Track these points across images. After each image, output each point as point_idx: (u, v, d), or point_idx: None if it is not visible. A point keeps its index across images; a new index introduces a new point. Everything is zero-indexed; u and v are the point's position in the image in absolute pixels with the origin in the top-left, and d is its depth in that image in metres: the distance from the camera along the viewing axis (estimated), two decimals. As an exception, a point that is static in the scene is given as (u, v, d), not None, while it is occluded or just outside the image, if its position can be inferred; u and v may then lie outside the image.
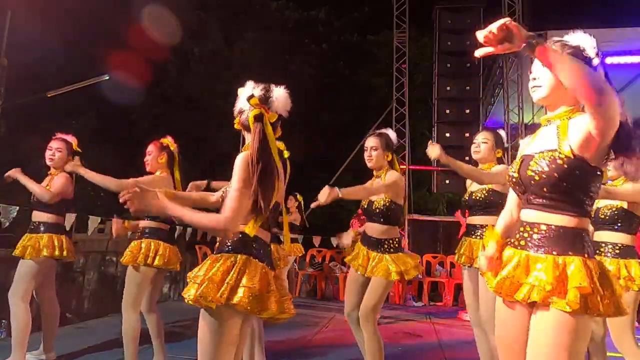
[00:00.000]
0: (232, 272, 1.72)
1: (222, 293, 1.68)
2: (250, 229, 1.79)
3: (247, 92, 1.87)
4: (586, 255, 1.46)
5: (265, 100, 1.86)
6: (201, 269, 1.75)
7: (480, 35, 1.36)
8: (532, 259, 1.51)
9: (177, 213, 1.74)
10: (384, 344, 3.05)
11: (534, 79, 1.60)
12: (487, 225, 2.93)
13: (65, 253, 3.35)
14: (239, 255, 1.76)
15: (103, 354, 3.76)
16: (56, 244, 3.31)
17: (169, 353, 3.36)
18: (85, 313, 5.32)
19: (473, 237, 3.05)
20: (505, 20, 1.33)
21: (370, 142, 3.16)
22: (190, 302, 1.71)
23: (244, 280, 1.72)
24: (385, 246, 3.07)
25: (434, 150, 2.85)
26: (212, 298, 1.68)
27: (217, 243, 1.92)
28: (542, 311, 1.46)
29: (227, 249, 1.79)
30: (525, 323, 1.53)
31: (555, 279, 1.42)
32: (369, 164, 3.18)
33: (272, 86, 1.91)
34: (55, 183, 3.34)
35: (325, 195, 2.65)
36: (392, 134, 3.23)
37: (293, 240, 6.18)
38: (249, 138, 1.88)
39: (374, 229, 3.13)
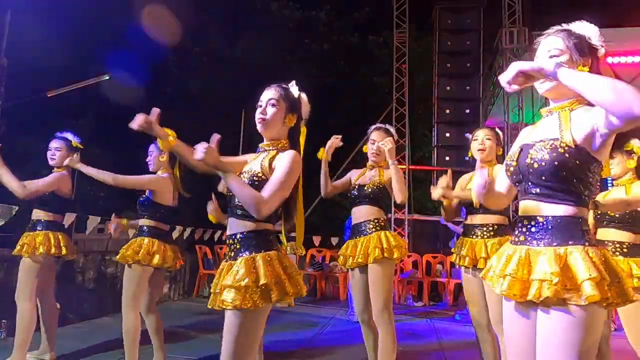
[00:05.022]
0: (277, 269, 1.79)
1: (287, 291, 1.77)
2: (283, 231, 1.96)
3: (295, 92, 1.99)
4: (586, 244, 1.44)
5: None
6: (238, 274, 1.75)
7: (503, 81, 1.50)
8: (532, 253, 1.48)
9: (227, 171, 1.72)
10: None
11: None
12: (487, 225, 2.90)
13: (64, 251, 3.34)
14: (272, 252, 1.83)
15: (103, 354, 3.76)
16: (52, 241, 3.30)
17: (169, 353, 3.36)
18: (85, 313, 5.31)
19: (473, 237, 2.91)
20: (517, 66, 1.45)
21: (380, 136, 3.12)
22: (244, 307, 1.71)
23: (292, 272, 1.84)
24: (370, 226, 3.02)
25: (436, 192, 2.77)
26: (277, 297, 1.75)
27: (230, 245, 1.89)
28: (550, 307, 1.42)
29: (251, 249, 1.81)
30: (535, 322, 1.49)
31: (559, 270, 1.39)
32: (374, 158, 3.15)
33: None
34: (40, 180, 3.28)
35: None
36: (393, 130, 3.24)
37: (292, 239, 6.16)
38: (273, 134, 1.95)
39: (360, 213, 3.08)
